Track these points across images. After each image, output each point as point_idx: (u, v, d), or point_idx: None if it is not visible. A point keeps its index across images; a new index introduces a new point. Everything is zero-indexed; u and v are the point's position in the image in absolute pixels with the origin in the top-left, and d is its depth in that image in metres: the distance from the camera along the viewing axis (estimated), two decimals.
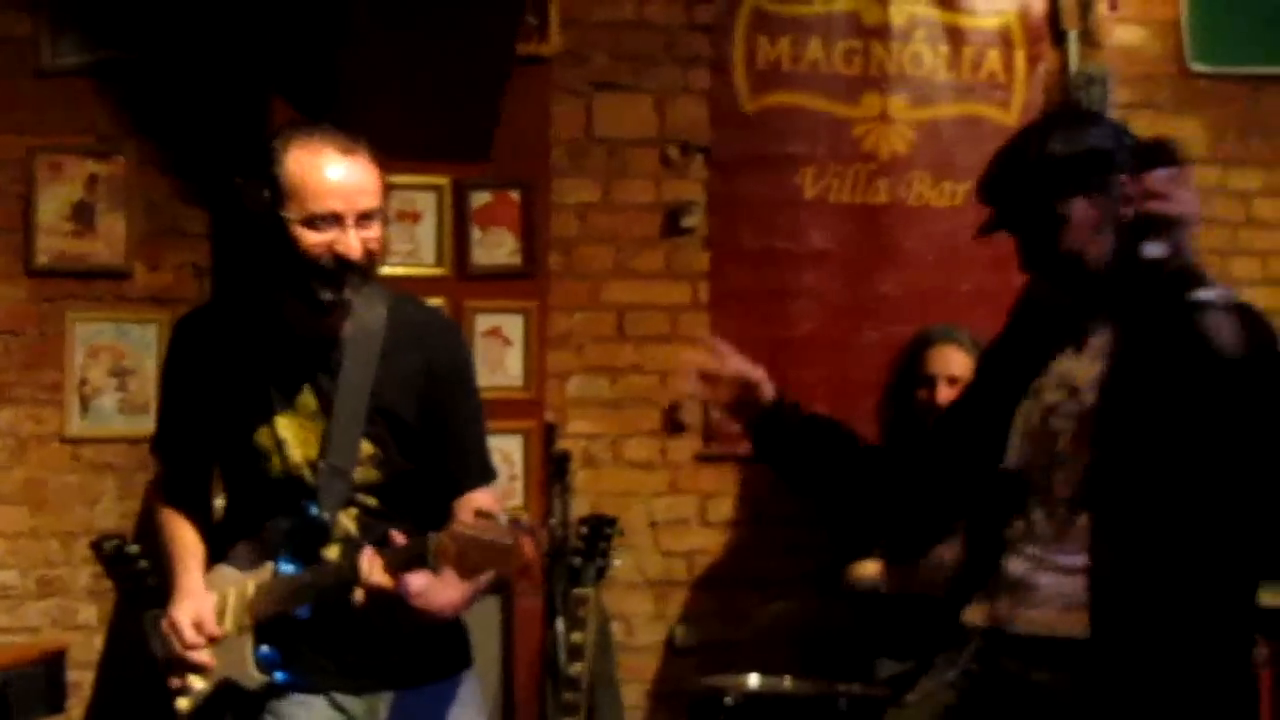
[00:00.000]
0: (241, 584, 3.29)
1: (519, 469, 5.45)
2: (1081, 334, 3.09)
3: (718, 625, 5.86)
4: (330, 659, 3.29)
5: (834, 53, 5.97)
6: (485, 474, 3.36)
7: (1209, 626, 2.98)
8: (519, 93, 5.37)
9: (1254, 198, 6.32)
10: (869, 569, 4.99)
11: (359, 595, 3.04)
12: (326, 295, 3.13)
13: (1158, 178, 2.88)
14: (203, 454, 3.44)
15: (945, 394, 4.93)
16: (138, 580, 4.76)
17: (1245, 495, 2.92)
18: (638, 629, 5.85)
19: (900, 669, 4.72)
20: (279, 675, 3.24)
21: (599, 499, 5.63)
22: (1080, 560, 2.99)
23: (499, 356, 5.44)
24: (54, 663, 5.15)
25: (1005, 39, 6.10)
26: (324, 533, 3.24)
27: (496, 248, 5.47)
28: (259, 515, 3.31)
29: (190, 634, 3.25)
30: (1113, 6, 6.06)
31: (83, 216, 5.46)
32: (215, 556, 3.38)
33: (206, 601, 3.29)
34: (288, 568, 3.25)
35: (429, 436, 3.27)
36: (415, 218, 5.42)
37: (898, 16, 6.00)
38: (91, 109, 5.49)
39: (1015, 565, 3.09)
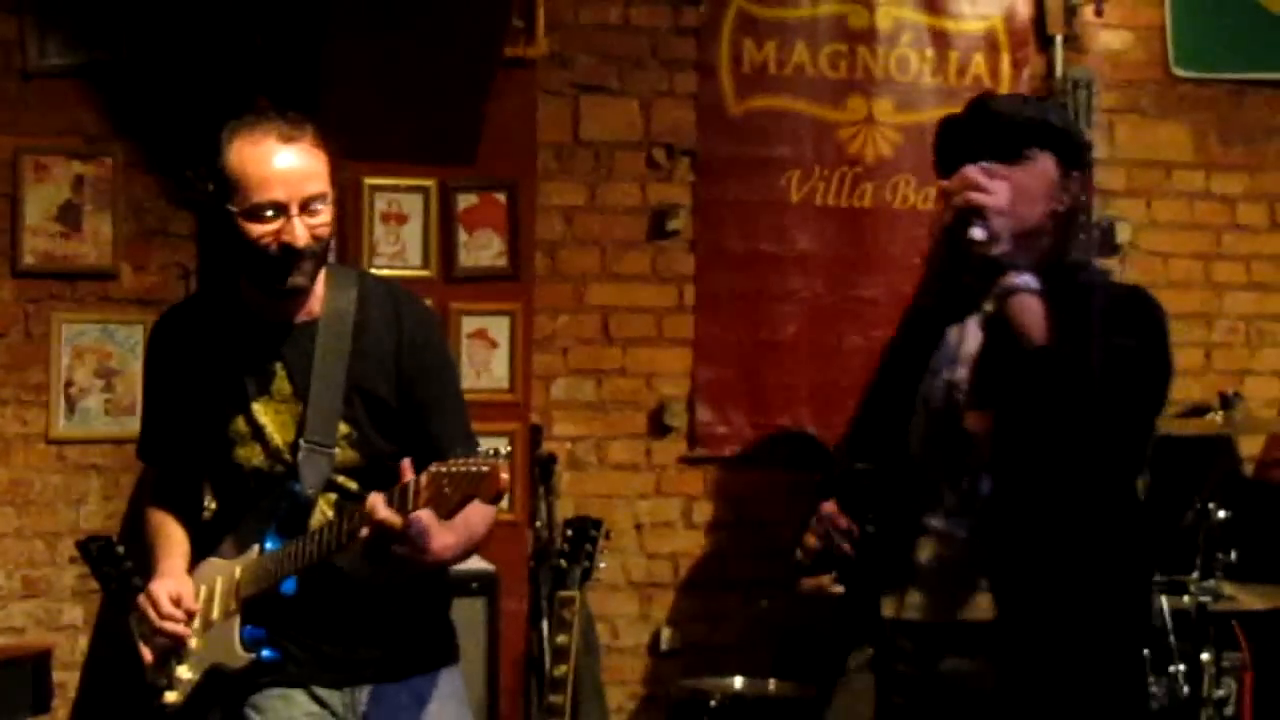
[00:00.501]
0: (228, 570, 3.26)
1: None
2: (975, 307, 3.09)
3: (702, 627, 5.92)
4: (310, 652, 3.24)
5: (820, 56, 6.01)
6: (468, 442, 3.31)
7: (1104, 604, 3.03)
8: (505, 95, 5.35)
9: (1237, 202, 6.39)
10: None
11: (363, 533, 2.98)
12: (277, 284, 3.11)
13: (971, 170, 2.93)
14: (189, 454, 3.41)
15: None
16: (124, 581, 4.74)
17: (1099, 468, 3.00)
18: (622, 631, 5.88)
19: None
20: (265, 653, 3.19)
21: (584, 501, 5.65)
22: (980, 539, 3.01)
23: (484, 359, 5.43)
24: (39, 663, 5.15)
25: (991, 43, 6.14)
26: (309, 510, 3.22)
27: (482, 250, 5.46)
28: (243, 507, 3.29)
29: (166, 605, 3.21)
30: (1098, 12, 6.09)
31: (69, 218, 5.45)
32: (204, 553, 3.35)
33: (186, 583, 3.26)
34: (273, 546, 3.22)
35: (407, 413, 3.24)
36: (402, 219, 5.40)
37: (884, 20, 6.05)
38: (78, 110, 5.49)
39: (925, 550, 3.07)
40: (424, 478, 2.85)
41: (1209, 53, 6.28)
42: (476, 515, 3.09)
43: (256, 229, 3.06)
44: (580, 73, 5.82)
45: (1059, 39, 6.11)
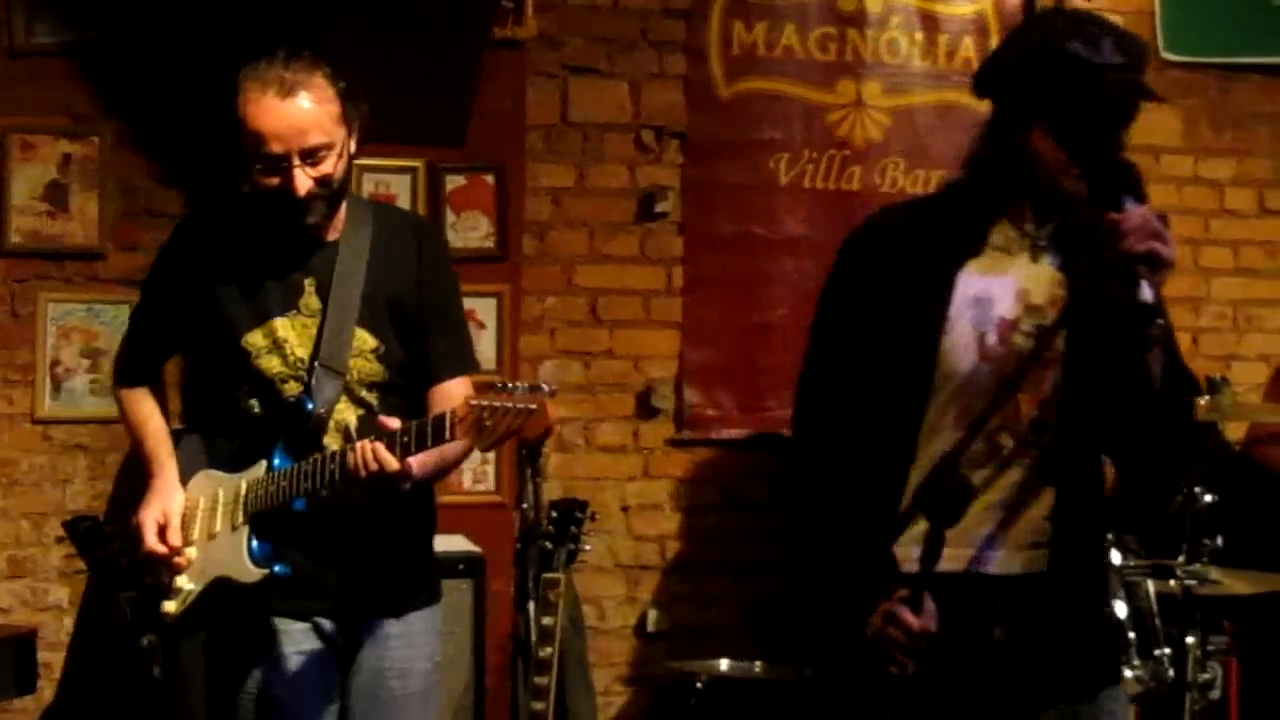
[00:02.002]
0: (233, 483, 3.35)
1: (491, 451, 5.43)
2: (981, 242, 2.95)
3: (689, 609, 5.93)
4: (312, 580, 3.36)
5: (809, 39, 6.02)
6: (469, 362, 3.50)
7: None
8: (494, 76, 5.35)
9: (1225, 187, 6.43)
10: None
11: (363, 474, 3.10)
12: (290, 226, 3.27)
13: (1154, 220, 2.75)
14: (170, 344, 3.58)
15: None
16: (110, 561, 4.70)
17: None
18: (609, 612, 5.89)
19: None
20: (278, 568, 3.29)
21: (571, 483, 5.65)
22: (1044, 490, 2.93)
23: (473, 340, 5.40)
24: (24, 643, 5.08)
25: (980, 26, 6.15)
26: (321, 427, 3.30)
27: (470, 231, 5.46)
28: (248, 417, 3.38)
29: (152, 538, 3.35)
30: None
31: (56, 197, 5.43)
32: (199, 462, 3.46)
33: (176, 500, 3.39)
34: (282, 463, 3.30)
35: (422, 319, 3.39)
36: (390, 200, 5.38)
37: (874, 3, 6.07)
38: (65, 89, 5.45)
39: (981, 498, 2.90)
40: (462, 408, 2.92)
41: (1198, 37, 6.30)
42: (451, 448, 3.21)
43: (262, 178, 3.22)
44: (569, 54, 5.82)
45: None
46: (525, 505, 4.85)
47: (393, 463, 3.06)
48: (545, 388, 2.91)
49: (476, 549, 4.92)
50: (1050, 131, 2.84)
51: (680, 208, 5.89)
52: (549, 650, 4.59)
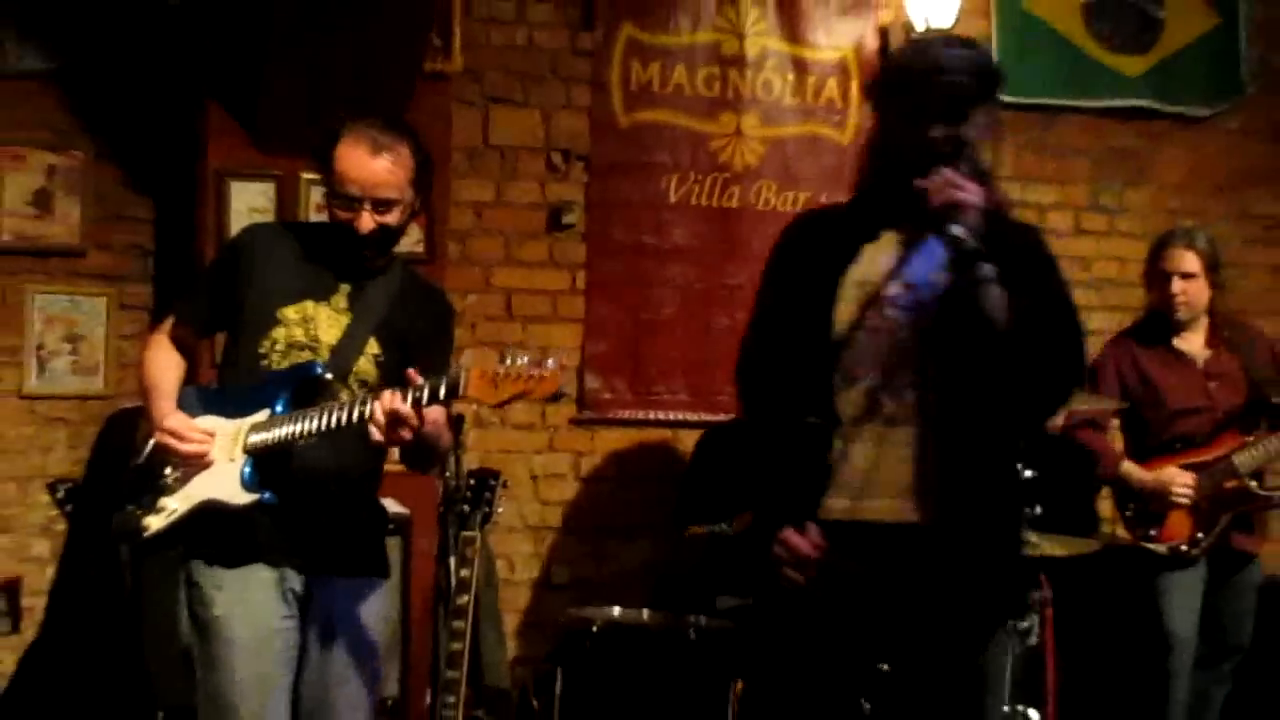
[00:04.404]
0: (233, 425, 3.36)
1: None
2: (877, 231, 3.06)
3: (587, 565, 5.96)
4: (285, 533, 3.36)
5: (697, 78, 6.06)
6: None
7: (1006, 506, 3.10)
8: (424, 104, 5.34)
9: (1048, 210, 6.47)
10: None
11: (379, 416, 3.11)
12: (346, 250, 3.41)
13: (949, 173, 2.91)
14: (215, 328, 3.62)
15: (1179, 286, 5.05)
16: (86, 519, 4.78)
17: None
18: (518, 567, 5.92)
19: (738, 603, 4.82)
20: (266, 495, 3.29)
21: (486, 455, 5.66)
22: (919, 443, 2.98)
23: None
24: (11, 590, 5.22)
25: (843, 70, 6.19)
26: (324, 391, 3.34)
27: (404, 238, 5.24)
28: (263, 373, 3.41)
29: (188, 431, 3.34)
30: None
31: (42, 202, 5.47)
32: (196, 411, 3.44)
33: (187, 418, 3.40)
34: (284, 411, 3.32)
35: (418, 354, 3.40)
36: None
37: (752, 48, 6.10)
38: (51, 108, 5.51)
39: (859, 453, 2.99)
40: (476, 370, 3.02)
41: (1027, 82, 6.31)
42: (445, 434, 3.36)
43: (337, 209, 3.39)
44: (490, 86, 5.85)
45: None
46: (448, 474, 4.93)
47: (407, 408, 3.06)
48: (551, 362, 3.01)
49: (405, 510, 4.83)
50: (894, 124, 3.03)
51: (584, 220, 5.93)
52: (465, 599, 4.53)
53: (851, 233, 3.08)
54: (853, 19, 6.23)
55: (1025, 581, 3.38)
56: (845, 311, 3.02)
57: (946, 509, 2.97)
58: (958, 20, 6.04)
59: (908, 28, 6.12)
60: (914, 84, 3.00)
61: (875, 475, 2.99)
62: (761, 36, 6.12)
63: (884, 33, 6.22)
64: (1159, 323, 5.17)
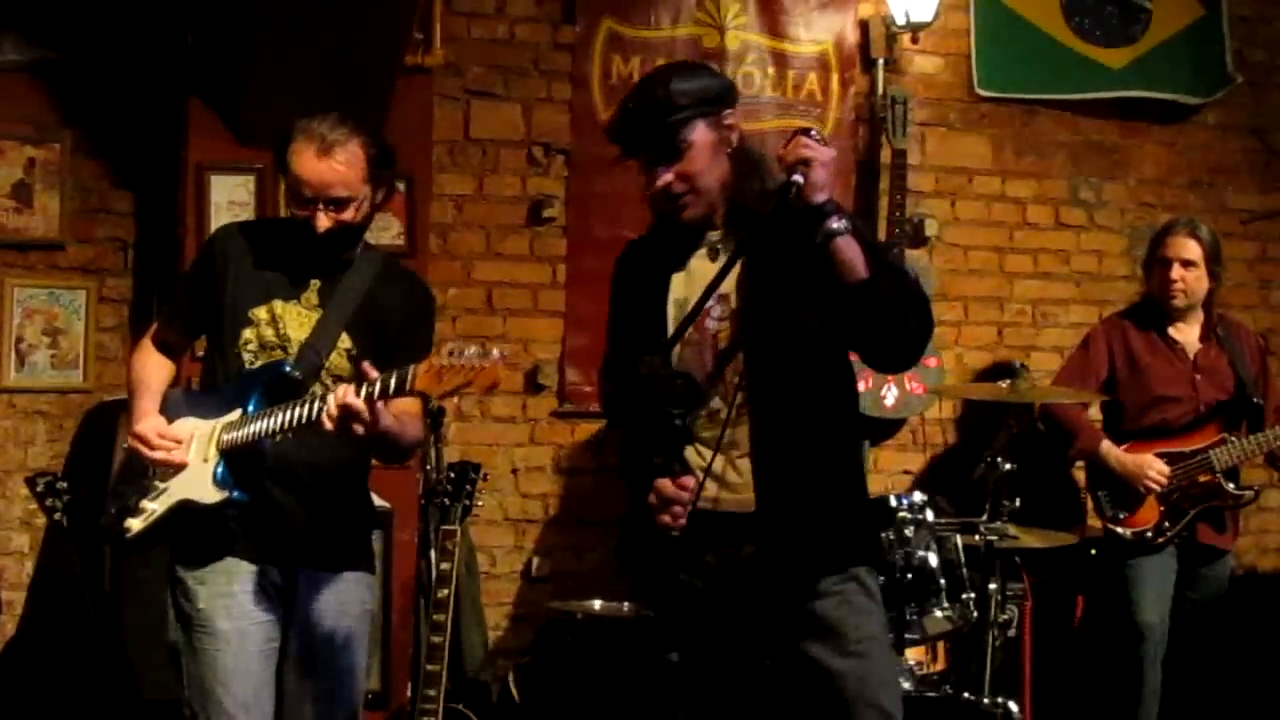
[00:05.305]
0: (208, 425, 3.39)
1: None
2: (695, 247, 3.19)
3: (568, 557, 5.96)
4: (261, 527, 3.40)
5: None
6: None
7: (846, 484, 3.22)
8: (406, 98, 5.37)
9: (1028, 204, 6.50)
10: None
11: (332, 410, 3.13)
12: (307, 246, 3.41)
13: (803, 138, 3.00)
14: (198, 330, 3.65)
15: (1178, 273, 5.11)
16: (66, 512, 4.74)
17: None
18: (499, 559, 5.92)
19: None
20: (236, 493, 3.32)
21: (468, 449, 5.68)
22: (754, 439, 3.12)
23: None
24: None
25: (823, 64, 6.20)
26: (295, 391, 3.34)
27: (384, 231, 5.44)
28: (238, 374, 3.44)
29: (155, 439, 3.39)
30: (914, 40, 6.18)
31: (22, 195, 5.44)
32: (179, 413, 3.48)
33: (163, 421, 3.43)
34: (256, 410, 3.35)
35: (395, 343, 3.44)
36: None
37: (732, 42, 6.09)
38: (31, 101, 5.47)
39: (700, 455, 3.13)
40: (424, 365, 3.01)
41: (1006, 77, 6.36)
42: (413, 426, 3.39)
43: (295, 208, 3.42)
44: (471, 80, 5.84)
45: (881, 62, 6.17)
46: (429, 467, 4.94)
47: (359, 403, 3.08)
48: (496, 352, 2.99)
49: (386, 504, 4.83)
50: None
51: (565, 214, 5.91)
52: (446, 591, 4.56)
53: (662, 262, 3.25)
54: (833, 13, 6.23)
55: (865, 531, 3.36)
56: (670, 329, 3.16)
57: (775, 494, 3.11)
58: (937, 14, 6.06)
59: (887, 21, 6.16)
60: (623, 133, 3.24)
61: (726, 473, 3.14)
62: (741, 31, 6.12)
63: (864, 26, 6.23)
64: (1155, 309, 5.24)
